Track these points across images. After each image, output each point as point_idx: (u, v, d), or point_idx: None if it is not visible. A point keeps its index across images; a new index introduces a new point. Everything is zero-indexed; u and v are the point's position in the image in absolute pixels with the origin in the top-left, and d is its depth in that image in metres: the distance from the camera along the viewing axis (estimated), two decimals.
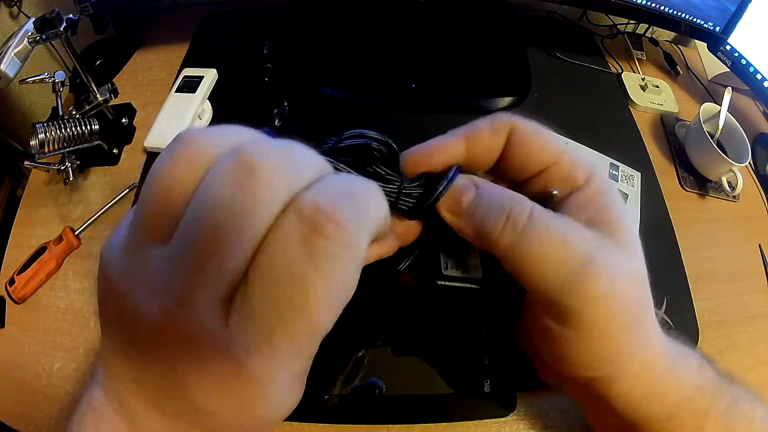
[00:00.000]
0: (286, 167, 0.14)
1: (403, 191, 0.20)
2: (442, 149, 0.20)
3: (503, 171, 0.22)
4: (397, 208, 0.20)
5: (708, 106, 0.66)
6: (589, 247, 0.18)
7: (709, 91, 0.78)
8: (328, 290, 0.14)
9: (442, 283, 0.21)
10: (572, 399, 0.24)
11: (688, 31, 0.70)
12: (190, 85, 0.62)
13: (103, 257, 0.16)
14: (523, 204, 0.19)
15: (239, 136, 0.16)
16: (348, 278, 0.14)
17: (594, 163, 0.21)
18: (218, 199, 0.13)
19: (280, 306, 0.13)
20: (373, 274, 0.19)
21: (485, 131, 0.20)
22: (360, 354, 0.44)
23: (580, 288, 0.17)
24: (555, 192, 0.20)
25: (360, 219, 0.14)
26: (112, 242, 0.16)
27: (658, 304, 0.52)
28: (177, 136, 0.15)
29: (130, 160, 0.60)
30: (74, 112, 0.55)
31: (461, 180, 0.20)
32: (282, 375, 0.15)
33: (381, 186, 0.19)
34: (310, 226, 0.13)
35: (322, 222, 0.13)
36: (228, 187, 0.13)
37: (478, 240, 0.19)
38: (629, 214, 0.57)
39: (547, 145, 0.20)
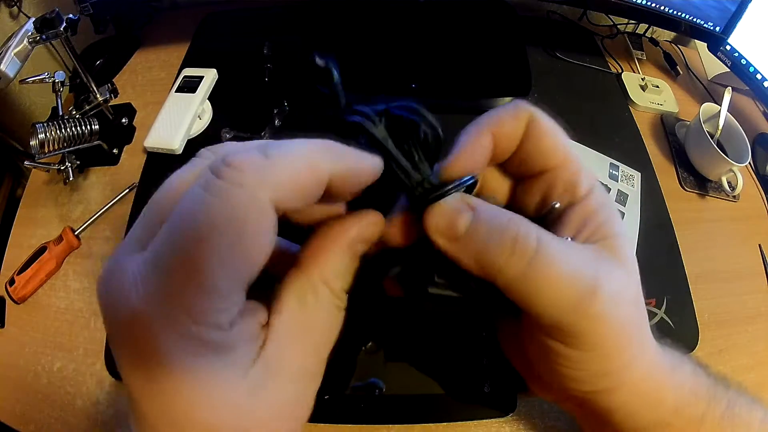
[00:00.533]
0: (261, 169, 0.15)
1: (426, 185, 0.19)
2: (471, 150, 0.20)
3: (509, 164, 0.21)
4: (412, 201, 0.19)
5: (708, 106, 0.66)
6: (595, 272, 0.18)
7: (709, 91, 0.78)
8: (221, 234, 0.13)
9: (434, 291, 0.20)
10: (567, 412, 0.25)
11: (688, 31, 0.70)
12: (190, 85, 0.62)
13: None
14: (528, 229, 0.18)
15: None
16: (246, 223, 0.14)
17: (594, 172, 0.21)
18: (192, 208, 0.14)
19: (181, 248, 0.14)
20: (365, 280, 0.19)
21: (508, 120, 0.20)
22: (360, 354, 0.44)
23: (589, 312, 0.17)
24: (557, 205, 0.20)
25: (264, 168, 0.14)
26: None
27: (658, 304, 0.52)
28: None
29: (130, 160, 0.60)
30: (74, 112, 0.55)
31: (453, 201, 0.18)
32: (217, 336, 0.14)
33: (405, 173, 0.18)
34: (213, 172, 0.14)
35: (220, 167, 0.14)
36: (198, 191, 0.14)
37: (479, 268, 0.18)
38: (630, 221, 0.57)
39: (560, 145, 0.20)
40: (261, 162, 0.14)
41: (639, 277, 0.20)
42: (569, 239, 0.19)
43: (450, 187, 0.18)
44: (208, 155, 0.17)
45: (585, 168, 0.21)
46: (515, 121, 0.20)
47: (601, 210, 0.20)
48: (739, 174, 0.61)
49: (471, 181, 0.19)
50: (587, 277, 0.17)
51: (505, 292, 0.18)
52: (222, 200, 0.14)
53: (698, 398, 0.21)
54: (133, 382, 0.14)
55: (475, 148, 0.20)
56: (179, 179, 0.16)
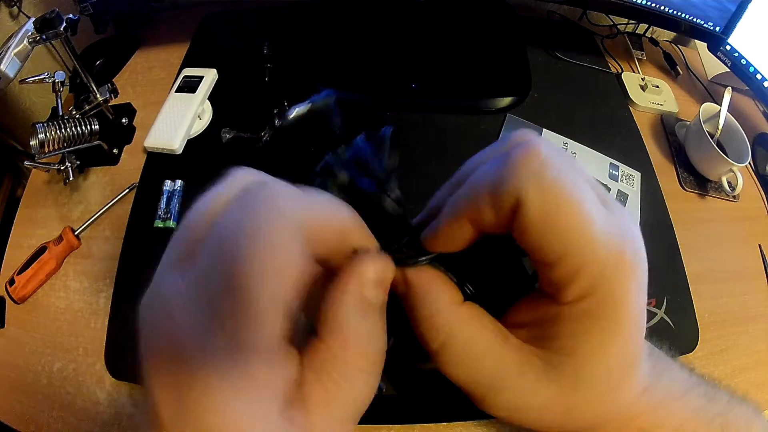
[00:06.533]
0: (299, 202, 0.16)
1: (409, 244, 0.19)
2: (451, 238, 0.18)
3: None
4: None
5: (708, 106, 0.66)
6: (502, 372, 0.18)
7: (709, 91, 0.78)
8: (261, 259, 0.14)
9: (426, 366, 0.21)
10: None
11: (688, 31, 0.70)
12: (190, 85, 0.62)
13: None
14: (437, 329, 0.19)
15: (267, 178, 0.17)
16: (282, 248, 0.15)
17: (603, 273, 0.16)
18: (232, 225, 0.15)
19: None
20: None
21: (487, 211, 0.17)
22: None
23: (494, 405, 0.19)
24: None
25: (301, 201, 0.16)
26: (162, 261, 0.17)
27: (658, 304, 0.52)
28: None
29: (130, 160, 0.60)
30: (74, 112, 0.55)
31: (413, 270, 0.19)
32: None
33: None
34: (251, 196, 0.15)
35: (259, 193, 0.15)
36: (241, 213, 0.15)
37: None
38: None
39: (554, 243, 0.16)
40: (299, 194, 0.16)
41: (587, 394, 0.18)
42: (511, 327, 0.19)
43: (420, 260, 0.19)
44: (241, 176, 0.17)
45: (589, 269, 0.16)
46: (495, 209, 0.16)
47: (579, 321, 0.16)
48: (739, 174, 0.61)
49: (431, 256, 0.19)
50: (482, 385, 0.19)
51: None
52: (260, 224, 0.14)
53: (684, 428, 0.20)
54: (164, 399, 0.14)
55: (451, 233, 0.18)
56: (214, 199, 0.16)
